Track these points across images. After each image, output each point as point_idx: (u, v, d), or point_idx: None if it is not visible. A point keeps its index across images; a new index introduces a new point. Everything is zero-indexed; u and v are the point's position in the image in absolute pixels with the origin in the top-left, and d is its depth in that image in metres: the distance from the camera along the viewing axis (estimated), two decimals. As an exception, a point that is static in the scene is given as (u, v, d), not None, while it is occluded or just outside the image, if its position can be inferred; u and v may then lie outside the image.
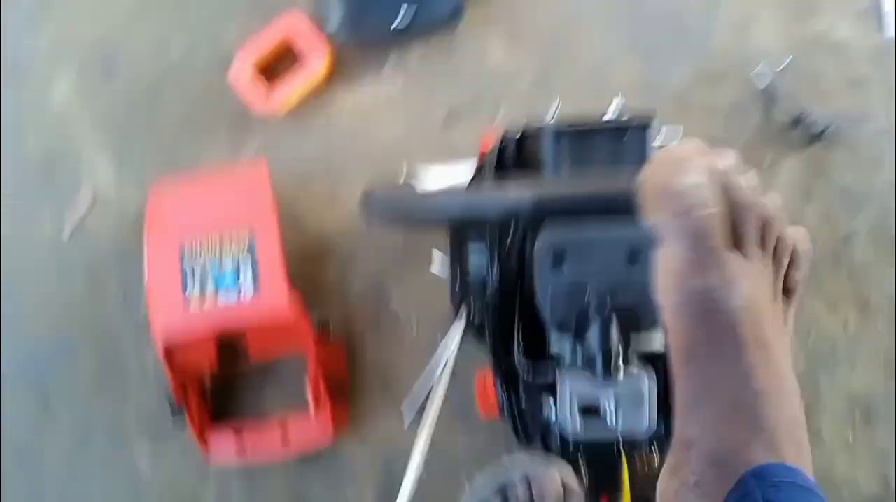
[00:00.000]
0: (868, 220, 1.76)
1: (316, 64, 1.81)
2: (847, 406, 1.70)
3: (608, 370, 0.82)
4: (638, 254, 0.83)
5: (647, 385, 0.84)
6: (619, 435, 0.86)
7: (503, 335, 1.01)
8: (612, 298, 0.84)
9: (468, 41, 1.89)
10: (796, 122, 1.75)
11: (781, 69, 1.77)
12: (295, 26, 1.82)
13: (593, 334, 0.83)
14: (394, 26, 1.82)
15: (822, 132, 1.75)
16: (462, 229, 1.12)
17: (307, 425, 1.68)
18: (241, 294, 1.60)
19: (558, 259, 0.86)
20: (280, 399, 1.78)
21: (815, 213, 1.77)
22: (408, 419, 1.73)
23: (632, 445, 0.92)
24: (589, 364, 0.83)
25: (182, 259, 1.65)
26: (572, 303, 0.86)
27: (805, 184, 1.78)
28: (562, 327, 0.87)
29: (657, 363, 0.85)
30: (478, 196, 0.80)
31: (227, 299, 1.60)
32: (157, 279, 1.65)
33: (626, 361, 0.84)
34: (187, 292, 1.62)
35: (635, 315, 0.84)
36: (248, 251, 1.63)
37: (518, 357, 0.98)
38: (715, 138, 1.54)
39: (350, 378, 1.78)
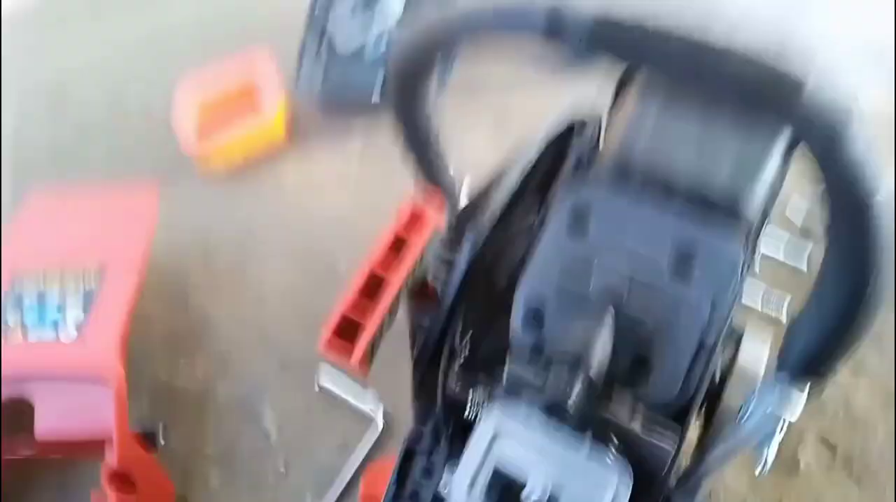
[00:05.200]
0: None
1: (269, 111, 1.51)
2: None
3: (566, 413, 0.54)
4: (689, 263, 0.60)
5: (617, 485, 0.54)
6: None
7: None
8: (628, 301, 0.60)
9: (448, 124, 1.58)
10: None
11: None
12: (257, 62, 1.57)
13: (574, 337, 0.57)
14: (374, 97, 1.54)
15: None
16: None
17: None
18: (59, 333, 1.16)
19: (580, 222, 0.64)
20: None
21: (872, 391, 1.21)
22: None
23: None
24: (547, 391, 0.55)
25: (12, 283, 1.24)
26: (568, 286, 0.62)
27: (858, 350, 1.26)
28: (533, 318, 0.63)
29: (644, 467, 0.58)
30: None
31: (39, 336, 1.16)
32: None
33: (603, 430, 0.57)
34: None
35: (647, 353, 0.59)
36: (88, 285, 1.21)
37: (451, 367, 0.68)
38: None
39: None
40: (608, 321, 0.59)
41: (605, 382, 0.58)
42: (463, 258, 0.74)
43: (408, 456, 0.68)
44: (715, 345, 0.60)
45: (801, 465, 1.16)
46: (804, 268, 0.86)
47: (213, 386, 1.31)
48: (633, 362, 0.59)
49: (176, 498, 1.20)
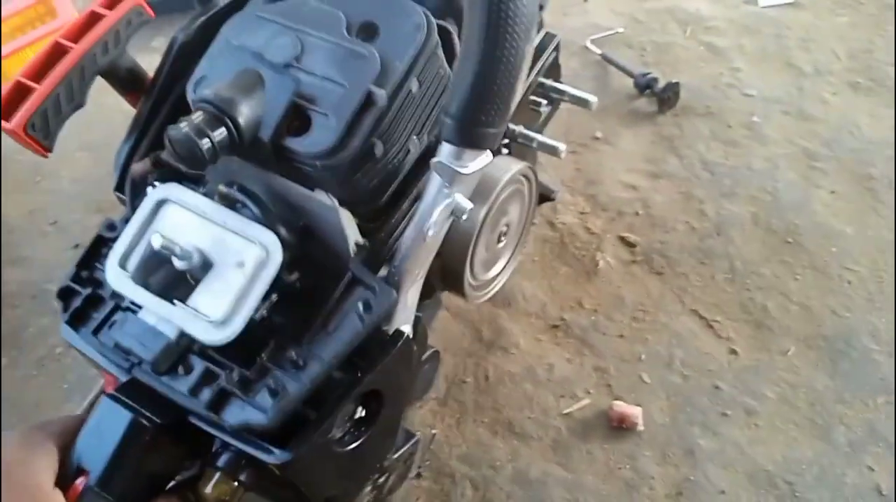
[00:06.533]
0: (748, 206, 1.23)
1: (65, 15, 1.47)
2: (753, 490, 0.94)
3: (201, 162, 0.53)
4: (367, 29, 0.61)
5: (267, 246, 0.56)
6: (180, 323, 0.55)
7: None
8: (301, 59, 0.60)
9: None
10: (643, 86, 1.31)
11: (612, 34, 1.44)
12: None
13: (220, 92, 0.55)
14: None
15: (673, 92, 1.30)
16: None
17: None
18: None
19: None
20: None
21: (671, 191, 1.26)
22: None
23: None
24: (178, 133, 0.52)
25: None
26: (235, 48, 0.61)
27: (656, 156, 1.30)
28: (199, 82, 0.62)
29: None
30: None
31: None
32: None
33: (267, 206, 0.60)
34: None
35: (310, 107, 0.59)
36: None
37: None
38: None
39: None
40: (261, 81, 0.59)
41: (268, 143, 0.57)
42: (174, 39, 0.70)
43: (97, 243, 0.68)
44: (388, 109, 0.60)
45: (601, 265, 1.17)
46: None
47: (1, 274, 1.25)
48: (297, 118, 0.58)
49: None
